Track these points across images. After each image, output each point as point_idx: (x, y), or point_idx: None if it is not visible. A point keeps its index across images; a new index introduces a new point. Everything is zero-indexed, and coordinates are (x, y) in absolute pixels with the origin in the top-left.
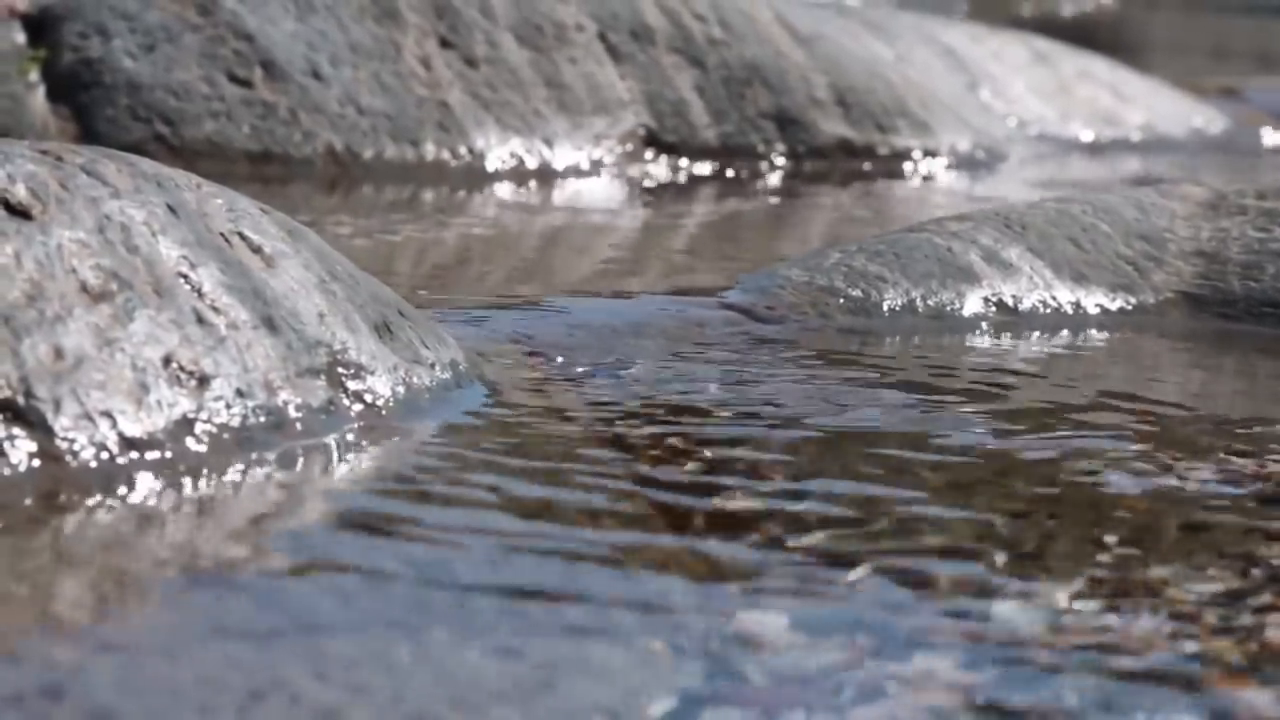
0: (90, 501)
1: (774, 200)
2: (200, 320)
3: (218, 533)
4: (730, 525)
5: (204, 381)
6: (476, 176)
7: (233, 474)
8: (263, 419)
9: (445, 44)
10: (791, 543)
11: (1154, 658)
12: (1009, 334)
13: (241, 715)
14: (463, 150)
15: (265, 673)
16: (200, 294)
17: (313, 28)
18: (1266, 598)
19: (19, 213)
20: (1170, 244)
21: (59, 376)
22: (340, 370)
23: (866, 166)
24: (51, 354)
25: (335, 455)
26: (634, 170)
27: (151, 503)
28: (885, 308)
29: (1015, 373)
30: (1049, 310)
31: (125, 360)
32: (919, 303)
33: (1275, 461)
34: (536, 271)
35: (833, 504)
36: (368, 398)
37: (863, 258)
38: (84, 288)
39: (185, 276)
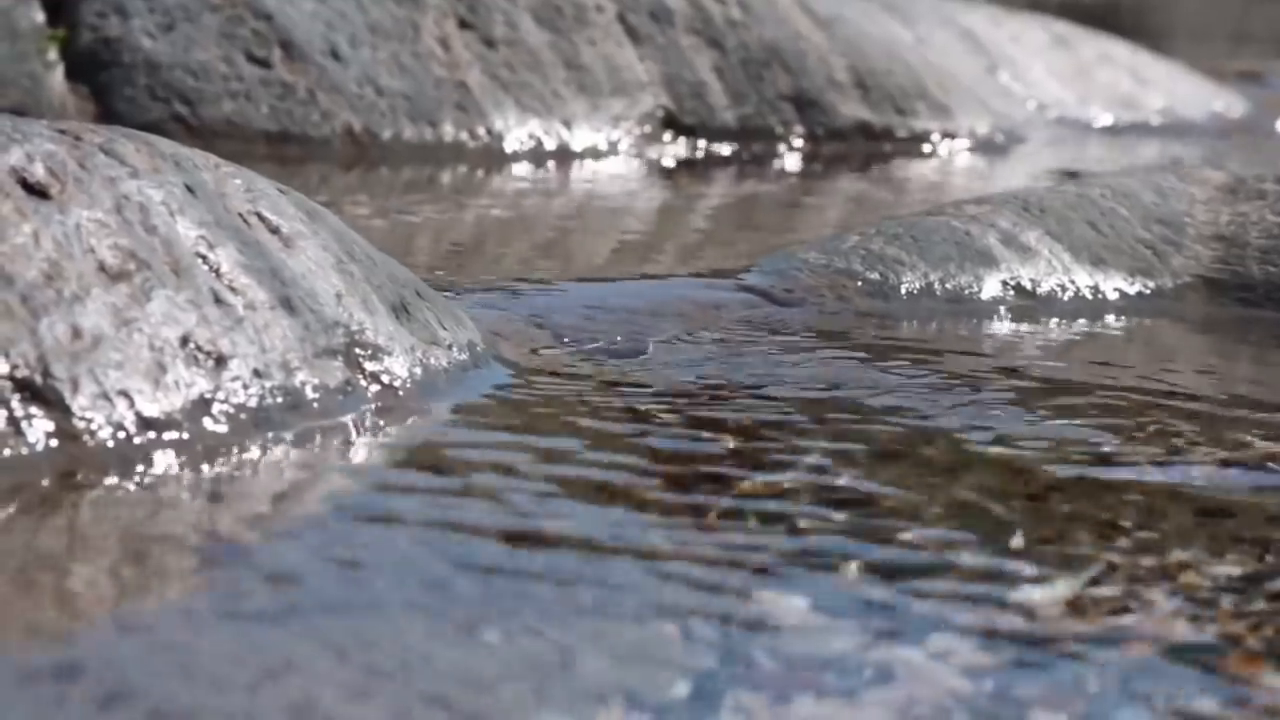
0: (107, 481)
1: (792, 182)
2: (218, 300)
3: (234, 513)
4: (748, 506)
5: (221, 361)
6: (495, 157)
7: (250, 454)
8: (280, 399)
9: (464, 25)
10: (808, 524)
11: (1171, 642)
12: (1027, 318)
13: (257, 694)
14: (481, 131)
15: (281, 652)
16: (218, 274)
17: (332, 8)
18: None
19: (37, 192)
20: (1189, 228)
21: (77, 356)
22: (358, 351)
23: (885, 149)
24: (69, 333)
25: (352, 436)
26: (652, 152)
27: (168, 482)
28: (903, 291)
29: (1033, 356)
30: (1067, 294)
31: (143, 340)
32: (937, 286)
33: None
34: (554, 253)
35: (849, 486)
36: (385, 378)
37: (881, 241)
38: (102, 267)
39: (203, 256)
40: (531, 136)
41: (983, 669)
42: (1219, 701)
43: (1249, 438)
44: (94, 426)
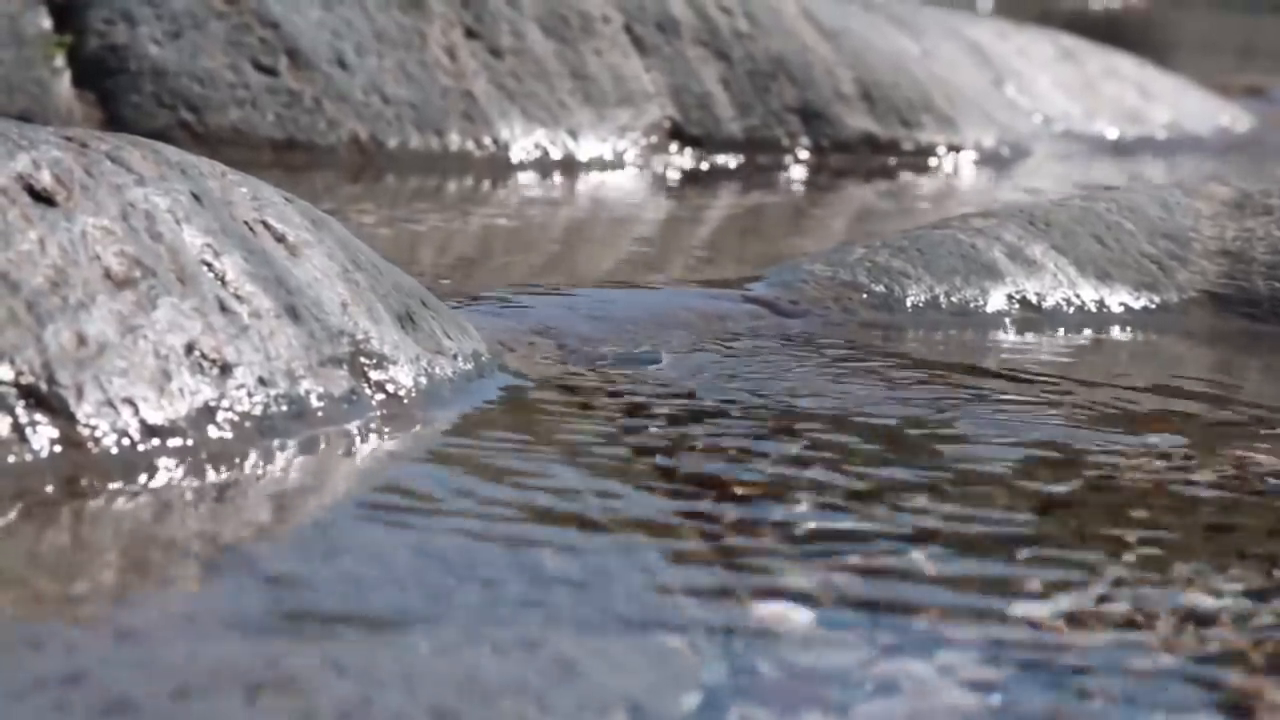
0: (111, 488)
1: (798, 194)
2: (223, 308)
3: (238, 521)
4: (753, 517)
5: (226, 369)
6: (500, 167)
7: (254, 462)
8: (285, 407)
9: (471, 34)
10: (813, 535)
11: (1175, 657)
12: (1032, 331)
13: (257, 705)
14: (487, 141)
15: (282, 662)
16: (223, 282)
17: (338, 16)
18: None
19: (43, 199)
20: (1195, 243)
21: (81, 363)
22: (363, 360)
23: (891, 161)
24: (74, 340)
25: (356, 444)
26: (658, 163)
27: (172, 490)
28: (909, 303)
29: (1037, 370)
30: (1072, 308)
31: (148, 347)
32: (942, 299)
33: None
34: (559, 263)
35: (855, 499)
36: (390, 387)
37: (886, 253)
38: (107, 274)
39: (209, 264)
40: (537, 146)
41: (987, 683)
42: (1223, 718)
43: (1254, 452)
44: (98, 433)
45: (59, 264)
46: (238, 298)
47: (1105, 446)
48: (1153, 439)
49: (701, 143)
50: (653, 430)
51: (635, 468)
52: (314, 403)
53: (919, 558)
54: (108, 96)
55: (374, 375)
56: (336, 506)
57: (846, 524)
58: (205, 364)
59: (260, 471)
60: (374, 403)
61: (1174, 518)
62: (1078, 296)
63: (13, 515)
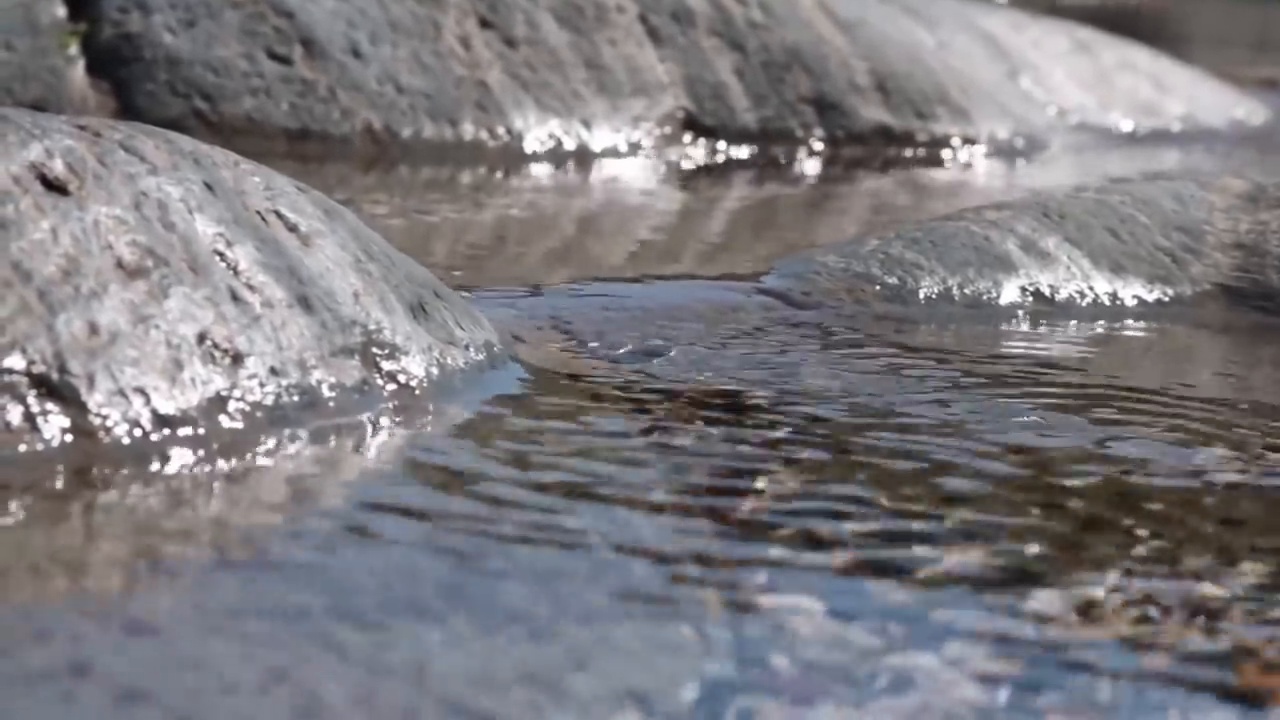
0: (122, 478)
1: (812, 186)
2: (235, 298)
3: (249, 511)
4: (764, 509)
5: (238, 359)
6: (514, 157)
7: (265, 453)
8: (296, 398)
9: (485, 24)
10: (823, 528)
11: (1186, 652)
12: (1045, 324)
13: (267, 694)
14: (501, 131)
15: (293, 652)
16: (236, 272)
17: (353, 5)
18: None
19: (56, 188)
20: (1209, 236)
21: (93, 352)
22: (374, 350)
23: (905, 153)
24: (86, 330)
25: (368, 435)
26: (672, 153)
27: (183, 480)
28: (922, 295)
29: (1050, 363)
30: (1085, 300)
31: (160, 337)
32: (955, 291)
33: None
34: (572, 254)
35: (868, 492)
36: (401, 378)
37: (900, 245)
38: (120, 264)
39: (221, 254)
40: (551, 136)
41: (997, 677)
42: (1235, 713)
43: (1266, 446)
44: (109, 423)
45: (71, 253)
46: (250, 288)
47: (1116, 439)
48: (1164, 431)
49: (715, 133)
50: (664, 422)
51: (646, 459)
52: (325, 393)
53: (929, 550)
54: (122, 85)
55: (386, 366)
56: (347, 498)
57: (857, 516)
58: (217, 354)
59: (271, 462)
60: (385, 393)
61: (1185, 511)
62: (1091, 289)
63: (24, 504)
